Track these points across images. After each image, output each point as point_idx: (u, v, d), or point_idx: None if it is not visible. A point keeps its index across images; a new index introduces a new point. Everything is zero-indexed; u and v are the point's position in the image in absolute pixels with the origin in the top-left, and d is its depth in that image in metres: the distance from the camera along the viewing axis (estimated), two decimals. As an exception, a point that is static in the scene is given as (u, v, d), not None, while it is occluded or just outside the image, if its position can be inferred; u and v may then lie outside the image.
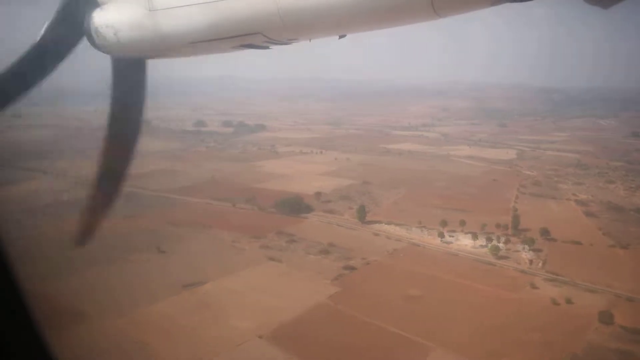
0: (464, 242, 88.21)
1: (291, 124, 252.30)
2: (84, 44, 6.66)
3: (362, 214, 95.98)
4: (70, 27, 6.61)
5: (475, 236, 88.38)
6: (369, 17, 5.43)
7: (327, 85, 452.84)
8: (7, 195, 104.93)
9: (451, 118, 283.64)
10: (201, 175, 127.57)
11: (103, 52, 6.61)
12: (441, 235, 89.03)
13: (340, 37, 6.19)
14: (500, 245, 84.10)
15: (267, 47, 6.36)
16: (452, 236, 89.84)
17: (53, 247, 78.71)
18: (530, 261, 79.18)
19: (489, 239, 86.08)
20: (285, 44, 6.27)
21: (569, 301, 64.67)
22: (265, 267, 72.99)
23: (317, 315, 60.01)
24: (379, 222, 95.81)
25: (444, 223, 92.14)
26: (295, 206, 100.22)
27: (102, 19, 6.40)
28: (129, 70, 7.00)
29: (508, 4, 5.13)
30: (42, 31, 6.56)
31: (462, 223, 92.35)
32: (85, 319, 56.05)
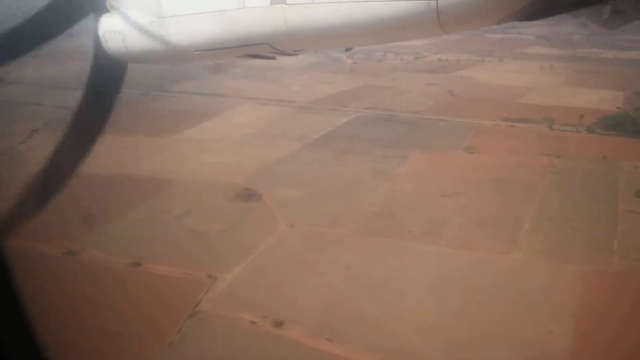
0: None
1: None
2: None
3: None
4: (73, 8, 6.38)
5: None
6: (375, 32, 5.12)
7: None
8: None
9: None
10: (427, 91, 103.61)
11: (112, 57, 6.49)
12: None
13: (347, 50, 6.07)
14: None
15: (274, 58, 6.12)
16: None
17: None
18: None
19: None
20: (292, 54, 6.03)
21: None
22: None
23: None
24: None
25: None
26: (627, 125, 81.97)
27: (111, 24, 6.30)
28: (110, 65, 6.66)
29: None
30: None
31: None
32: None
